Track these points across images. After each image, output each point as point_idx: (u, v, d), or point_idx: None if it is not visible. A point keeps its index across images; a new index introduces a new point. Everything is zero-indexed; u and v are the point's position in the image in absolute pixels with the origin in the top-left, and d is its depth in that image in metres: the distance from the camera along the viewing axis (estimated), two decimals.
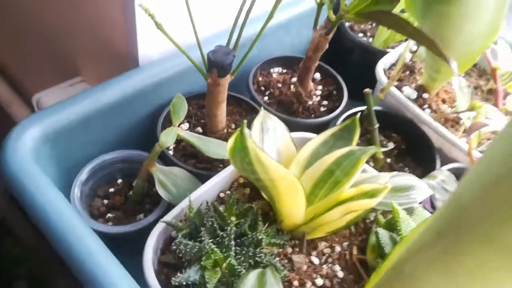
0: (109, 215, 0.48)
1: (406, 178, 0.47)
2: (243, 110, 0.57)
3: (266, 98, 0.60)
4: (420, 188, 0.45)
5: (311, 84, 0.58)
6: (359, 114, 0.48)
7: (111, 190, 0.50)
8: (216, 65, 0.41)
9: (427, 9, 0.48)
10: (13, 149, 0.42)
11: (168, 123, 0.52)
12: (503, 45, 0.56)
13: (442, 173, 0.49)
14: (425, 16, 0.49)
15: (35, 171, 0.41)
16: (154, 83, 0.52)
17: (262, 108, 0.48)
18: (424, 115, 0.56)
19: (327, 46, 0.51)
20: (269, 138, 0.48)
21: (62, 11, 0.64)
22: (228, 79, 0.44)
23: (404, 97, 0.58)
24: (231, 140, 0.34)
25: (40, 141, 0.44)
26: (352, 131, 0.48)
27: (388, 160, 0.58)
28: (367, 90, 0.54)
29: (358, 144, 0.57)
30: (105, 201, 0.49)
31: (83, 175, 0.46)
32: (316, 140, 0.48)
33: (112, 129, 0.51)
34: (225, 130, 0.52)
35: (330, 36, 0.49)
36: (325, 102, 0.61)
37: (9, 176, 0.40)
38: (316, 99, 0.61)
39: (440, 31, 0.49)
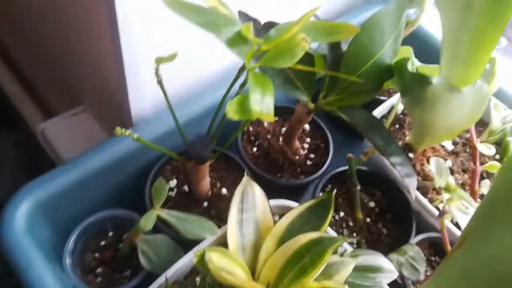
0: (99, 269, 0.52)
1: (375, 258, 0.49)
2: (230, 166, 0.59)
3: (255, 149, 0.62)
4: (388, 271, 0.48)
5: (297, 143, 0.59)
6: (335, 192, 0.50)
7: (102, 243, 0.54)
8: (194, 157, 0.43)
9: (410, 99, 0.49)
10: (8, 222, 0.45)
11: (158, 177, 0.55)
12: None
13: (412, 249, 0.52)
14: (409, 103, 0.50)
15: (27, 245, 0.45)
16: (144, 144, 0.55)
17: (245, 173, 0.50)
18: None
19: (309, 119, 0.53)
20: (248, 208, 0.50)
21: (63, 43, 0.66)
22: (208, 163, 0.46)
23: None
24: (196, 258, 0.37)
25: (33, 210, 0.47)
26: (327, 208, 0.50)
27: (368, 219, 0.60)
28: (349, 155, 0.56)
29: (340, 203, 0.60)
30: (96, 255, 0.54)
31: (71, 243, 0.50)
32: (292, 213, 0.50)
33: (104, 188, 0.54)
34: (210, 192, 0.55)
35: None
36: (312, 155, 0.62)
37: (4, 248, 0.45)
38: (303, 152, 0.62)
39: (423, 117, 0.50)
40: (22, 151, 0.91)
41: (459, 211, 0.48)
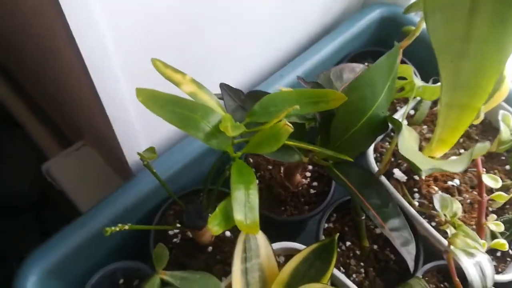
0: None
1: None
2: None
3: (256, 181, 0.61)
4: None
5: (298, 177, 0.58)
6: (337, 235, 0.49)
7: None
8: (190, 227, 0.43)
9: None
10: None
11: (161, 224, 0.56)
12: None
13: (419, 284, 0.51)
14: None
15: None
16: (146, 193, 0.55)
17: None
18: (410, 209, 0.57)
19: None
20: (252, 256, 0.51)
21: (59, 82, 0.66)
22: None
23: (391, 186, 0.58)
24: None
25: (43, 279, 0.49)
26: (331, 252, 0.50)
27: (375, 246, 0.59)
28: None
29: (346, 232, 0.60)
30: None
31: None
32: (297, 258, 0.50)
33: (111, 240, 0.55)
34: (213, 237, 0.55)
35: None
36: (315, 183, 0.62)
37: None
38: (306, 181, 0.62)
39: None
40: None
41: (463, 253, 0.47)
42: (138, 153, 0.36)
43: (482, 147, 0.40)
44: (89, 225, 0.52)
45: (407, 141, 0.35)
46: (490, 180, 0.50)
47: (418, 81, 0.60)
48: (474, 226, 0.60)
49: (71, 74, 0.49)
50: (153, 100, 0.33)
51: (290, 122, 0.36)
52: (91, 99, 0.46)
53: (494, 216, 0.53)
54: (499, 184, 0.50)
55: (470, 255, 0.48)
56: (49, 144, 0.89)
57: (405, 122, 0.67)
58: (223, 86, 0.39)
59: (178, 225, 0.56)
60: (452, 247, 0.50)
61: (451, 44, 0.45)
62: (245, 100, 0.39)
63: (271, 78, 0.63)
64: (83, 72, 0.42)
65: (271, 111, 0.37)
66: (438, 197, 0.51)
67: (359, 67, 0.52)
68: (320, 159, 0.43)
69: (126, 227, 0.38)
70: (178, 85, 0.35)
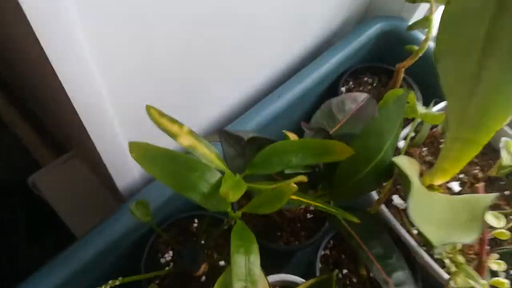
0: None
1: None
2: (226, 232, 0.57)
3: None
4: None
5: None
6: (336, 272, 0.48)
7: None
8: (184, 271, 0.41)
9: None
10: None
11: (153, 252, 0.54)
12: None
13: None
14: None
15: None
16: (137, 222, 0.53)
17: None
18: (409, 240, 0.56)
19: None
20: None
21: (48, 96, 0.63)
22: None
23: (390, 216, 0.57)
24: None
25: None
26: None
27: (372, 274, 0.58)
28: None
29: (343, 260, 0.58)
30: None
31: None
32: None
33: (104, 268, 0.53)
34: (207, 267, 0.53)
35: None
36: (312, 208, 0.60)
37: None
38: (303, 206, 0.60)
39: None
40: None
41: None
42: (130, 210, 0.33)
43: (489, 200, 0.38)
44: (83, 252, 0.50)
45: (421, 206, 0.33)
46: (493, 219, 0.49)
47: (420, 108, 0.58)
48: (473, 256, 0.60)
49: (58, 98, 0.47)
50: (146, 156, 0.30)
51: (291, 173, 0.34)
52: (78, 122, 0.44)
53: (496, 255, 0.52)
54: (502, 223, 0.49)
55: None
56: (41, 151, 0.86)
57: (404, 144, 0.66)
58: (222, 134, 0.36)
59: (171, 252, 0.55)
60: (452, 285, 0.50)
61: (460, 85, 0.43)
62: (245, 147, 0.37)
63: (268, 98, 0.61)
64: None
65: (273, 162, 0.34)
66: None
67: (361, 96, 0.50)
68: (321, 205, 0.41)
69: (117, 282, 0.35)
70: (175, 138, 0.32)
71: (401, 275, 0.37)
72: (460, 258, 0.50)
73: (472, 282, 0.47)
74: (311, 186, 0.42)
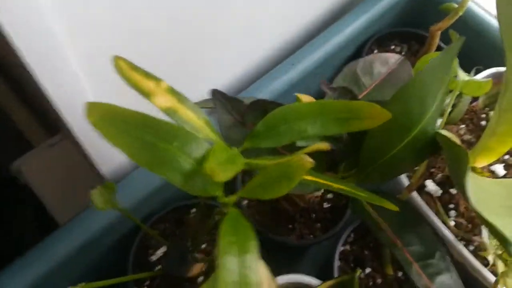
0: None
1: None
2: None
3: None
4: None
5: None
6: (359, 272, 0.40)
7: None
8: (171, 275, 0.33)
9: None
10: None
11: (142, 248, 0.46)
12: None
13: None
14: None
15: None
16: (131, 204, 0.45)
17: None
18: (445, 231, 0.47)
19: None
20: None
21: None
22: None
23: (423, 204, 0.48)
24: None
25: None
26: None
27: (400, 273, 0.50)
28: None
29: (366, 256, 0.50)
30: None
31: None
32: None
33: (88, 261, 0.46)
34: (203, 269, 0.45)
35: None
36: (330, 195, 0.51)
37: None
38: (319, 193, 0.51)
39: None
40: None
41: None
42: (92, 194, 0.25)
43: None
44: (66, 241, 0.42)
45: (480, 191, 0.24)
46: None
47: (462, 75, 0.49)
48: None
49: None
50: (109, 121, 0.22)
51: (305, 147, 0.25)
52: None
53: None
54: None
55: None
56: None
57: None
58: (216, 94, 0.28)
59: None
60: (500, 284, 0.41)
61: None
62: (246, 114, 0.28)
63: (280, 66, 0.52)
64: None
65: (281, 132, 0.26)
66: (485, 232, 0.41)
67: (394, 57, 0.41)
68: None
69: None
70: (149, 97, 0.24)
71: (447, 279, 0.29)
72: None
73: None
74: (330, 167, 0.33)
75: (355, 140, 0.30)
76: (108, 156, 0.45)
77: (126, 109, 0.23)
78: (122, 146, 0.22)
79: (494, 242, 0.43)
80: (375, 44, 0.61)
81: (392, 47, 0.62)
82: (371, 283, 0.49)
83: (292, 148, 0.27)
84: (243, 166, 0.23)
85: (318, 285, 0.42)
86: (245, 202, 0.50)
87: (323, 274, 0.47)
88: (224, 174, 0.21)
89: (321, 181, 0.26)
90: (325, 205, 0.51)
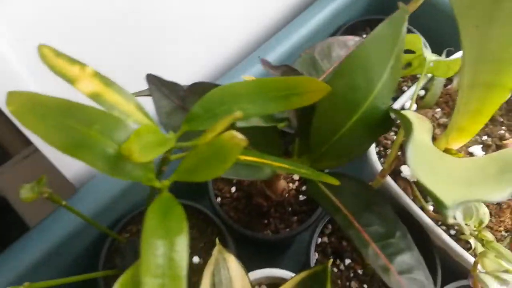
0: None
1: None
2: (202, 222, 0.48)
3: (233, 189, 0.50)
4: None
5: (282, 183, 0.47)
6: (330, 262, 0.38)
7: None
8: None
9: None
10: None
11: (112, 252, 0.45)
12: None
13: None
14: None
15: None
16: (91, 213, 0.44)
17: (217, 241, 0.39)
18: (423, 217, 0.45)
19: None
20: None
21: None
22: None
23: (397, 189, 0.46)
24: None
25: None
26: (323, 283, 0.39)
27: None
28: None
29: (345, 247, 0.48)
30: None
31: None
32: None
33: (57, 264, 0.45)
34: None
35: None
36: (305, 187, 0.50)
37: None
38: (294, 186, 0.50)
39: None
40: None
41: (493, 279, 0.35)
42: (21, 189, 0.24)
43: None
44: (35, 245, 0.42)
45: (423, 153, 0.23)
46: None
47: (429, 55, 0.48)
48: (503, 233, 0.49)
49: None
50: (30, 109, 0.21)
51: (252, 128, 0.24)
52: None
53: None
54: None
55: (503, 281, 0.36)
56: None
57: (414, 107, 0.55)
58: (151, 78, 0.27)
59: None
60: (479, 269, 0.39)
61: (477, 8, 0.32)
62: (186, 98, 0.27)
63: (246, 61, 0.51)
64: None
65: (219, 113, 0.25)
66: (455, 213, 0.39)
67: (353, 40, 0.39)
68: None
69: None
70: (73, 83, 0.23)
71: (407, 258, 0.27)
72: (489, 235, 0.40)
73: (504, 263, 0.36)
74: (285, 151, 0.32)
75: (303, 121, 0.29)
76: (67, 161, 0.44)
77: (49, 97, 0.22)
78: (40, 131, 0.21)
79: (473, 221, 0.42)
80: (346, 33, 0.60)
81: (364, 35, 0.61)
82: (352, 275, 0.47)
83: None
84: (169, 147, 0.22)
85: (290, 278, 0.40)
86: (218, 199, 0.49)
87: (305, 269, 0.45)
88: (142, 155, 0.20)
89: (264, 161, 0.25)
90: (301, 197, 0.50)
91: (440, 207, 0.19)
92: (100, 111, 0.22)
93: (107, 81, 0.24)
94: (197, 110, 0.25)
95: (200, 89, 0.27)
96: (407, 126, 0.25)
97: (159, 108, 0.26)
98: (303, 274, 0.40)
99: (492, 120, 0.55)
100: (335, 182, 0.25)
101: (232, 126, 0.25)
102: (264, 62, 0.29)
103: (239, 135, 0.21)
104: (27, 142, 0.64)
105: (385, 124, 0.29)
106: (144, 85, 0.30)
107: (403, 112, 0.30)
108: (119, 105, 0.23)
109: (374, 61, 0.27)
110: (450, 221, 0.40)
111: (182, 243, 0.20)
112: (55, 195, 0.30)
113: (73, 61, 0.24)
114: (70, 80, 0.23)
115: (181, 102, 0.27)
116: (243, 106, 0.25)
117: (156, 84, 0.27)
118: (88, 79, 0.23)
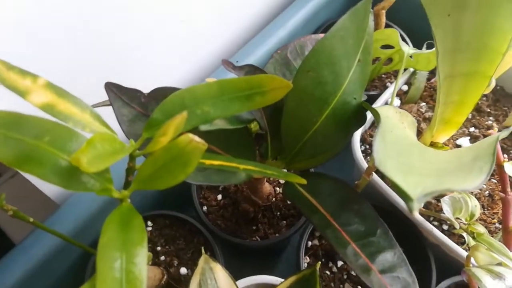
0: None
1: None
2: (188, 232, 0.47)
3: (219, 197, 0.49)
4: None
5: (267, 188, 0.46)
6: (319, 264, 0.37)
7: None
8: None
9: None
10: None
11: None
12: None
13: None
14: None
15: None
16: (74, 230, 0.43)
17: (203, 252, 0.38)
18: (415, 214, 0.44)
19: None
20: None
21: None
22: None
23: (387, 187, 0.45)
24: None
25: None
26: (312, 287, 0.38)
27: None
28: None
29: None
30: None
31: None
32: None
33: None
34: (164, 278, 0.43)
35: None
36: None
37: None
38: (279, 189, 0.49)
39: None
40: None
41: (486, 272, 0.34)
42: None
43: (503, 136, 0.27)
44: (22, 260, 0.41)
45: (393, 146, 0.22)
46: None
47: (407, 48, 0.47)
48: (497, 225, 0.48)
49: None
50: None
51: (224, 131, 0.24)
52: None
53: None
54: None
55: (497, 275, 0.35)
56: None
57: (397, 102, 0.54)
58: (109, 86, 0.26)
59: None
60: (472, 263, 0.38)
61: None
62: (148, 104, 0.26)
63: (222, 68, 0.50)
64: None
65: None
66: (446, 200, 0.38)
67: None
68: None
69: None
70: (24, 95, 0.22)
71: (390, 256, 0.26)
72: (480, 228, 0.39)
73: (497, 256, 0.35)
74: (261, 154, 0.31)
75: (272, 120, 0.28)
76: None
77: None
78: None
79: (463, 215, 0.41)
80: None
81: None
82: (345, 276, 0.46)
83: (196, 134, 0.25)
84: (124, 155, 0.21)
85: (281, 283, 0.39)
86: (204, 208, 0.48)
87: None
88: (93, 164, 0.19)
89: (227, 164, 0.24)
90: (289, 201, 0.49)
91: (405, 200, 0.19)
92: (51, 122, 0.21)
93: (60, 92, 0.23)
94: (157, 116, 0.24)
95: (161, 94, 0.26)
96: (376, 119, 0.24)
97: (120, 116, 0.26)
98: (292, 279, 0.39)
99: (479, 111, 0.54)
100: (302, 181, 0.24)
101: (196, 130, 0.25)
102: (226, 63, 0.29)
103: (197, 138, 0.21)
104: None
105: (359, 119, 0.28)
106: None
107: (378, 107, 0.29)
108: (74, 115, 0.23)
109: (340, 55, 0.26)
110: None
111: (141, 255, 0.19)
112: (20, 212, 0.29)
113: (24, 73, 0.23)
114: (22, 93, 0.22)
115: (143, 109, 0.26)
116: (205, 109, 0.24)
117: (116, 92, 0.26)
118: (40, 90, 0.23)
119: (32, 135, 0.20)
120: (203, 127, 0.25)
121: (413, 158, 0.24)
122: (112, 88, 0.26)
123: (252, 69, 0.28)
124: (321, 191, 0.29)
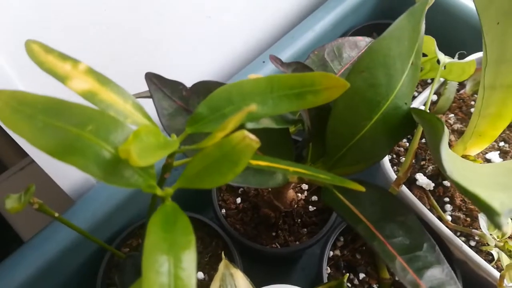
0: None
1: None
2: (207, 235, 0.45)
3: (239, 200, 0.48)
4: None
5: (291, 193, 0.44)
6: (346, 277, 0.36)
7: None
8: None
9: None
10: None
11: (111, 269, 0.42)
12: None
13: None
14: None
15: None
16: (89, 226, 0.42)
17: (223, 256, 0.37)
18: (442, 227, 0.43)
19: None
20: None
21: None
22: None
23: (413, 198, 0.44)
24: None
25: None
26: None
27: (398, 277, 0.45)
28: None
29: (359, 261, 0.45)
30: None
31: None
32: None
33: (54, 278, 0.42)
34: None
35: None
36: (315, 197, 0.48)
37: None
38: (303, 196, 0.48)
39: None
40: None
41: None
42: (6, 199, 0.22)
43: None
44: (31, 258, 0.39)
45: (461, 166, 0.21)
46: None
47: (443, 57, 0.45)
48: None
49: None
50: (14, 108, 0.19)
51: (261, 131, 0.22)
52: None
53: None
54: None
55: None
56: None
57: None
58: (151, 77, 0.25)
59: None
60: (505, 283, 0.37)
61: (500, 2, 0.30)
62: (190, 98, 0.25)
63: (250, 65, 0.49)
64: None
65: (227, 114, 0.23)
66: (484, 216, 0.37)
67: (364, 40, 0.37)
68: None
69: None
70: (64, 81, 0.21)
71: (438, 272, 0.25)
72: None
73: None
74: (298, 157, 0.29)
75: (318, 122, 0.26)
76: (63, 172, 0.41)
77: (35, 95, 0.20)
78: (25, 133, 0.18)
79: (495, 232, 0.39)
80: None
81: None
82: None
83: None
84: (172, 150, 0.19)
85: None
86: (223, 211, 0.46)
87: (316, 283, 0.42)
88: (143, 158, 0.17)
89: (277, 166, 0.22)
90: (311, 208, 0.47)
91: (490, 215, 0.17)
92: (95, 110, 0.20)
93: (102, 79, 0.22)
94: (202, 111, 0.22)
95: (204, 88, 0.24)
96: (438, 128, 0.22)
97: (160, 109, 0.24)
98: None
99: (509, 125, 0.53)
100: (360, 188, 0.22)
101: (241, 128, 0.23)
102: (274, 59, 0.27)
103: (251, 136, 0.19)
104: (23, 154, 0.62)
105: (407, 126, 0.27)
106: (143, 87, 0.28)
107: (432, 114, 0.27)
108: (116, 104, 0.21)
109: (395, 56, 0.25)
110: (508, 230, 0.38)
111: (189, 259, 0.18)
112: (46, 206, 0.27)
113: (64, 57, 0.21)
114: (61, 78, 0.21)
115: (184, 103, 0.25)
116: (251, 106, 0.23)
117: (157, 83, 0.24)
118: (81, 76, 0.21)
119: (75, 124, 0.19)
120: (250, 125, 0.24)
121: (468, 171, 0.23)
122: (153, 79, 0.24)
123: (299, 67, 0.26)
124: (363, 199, 0.27)
